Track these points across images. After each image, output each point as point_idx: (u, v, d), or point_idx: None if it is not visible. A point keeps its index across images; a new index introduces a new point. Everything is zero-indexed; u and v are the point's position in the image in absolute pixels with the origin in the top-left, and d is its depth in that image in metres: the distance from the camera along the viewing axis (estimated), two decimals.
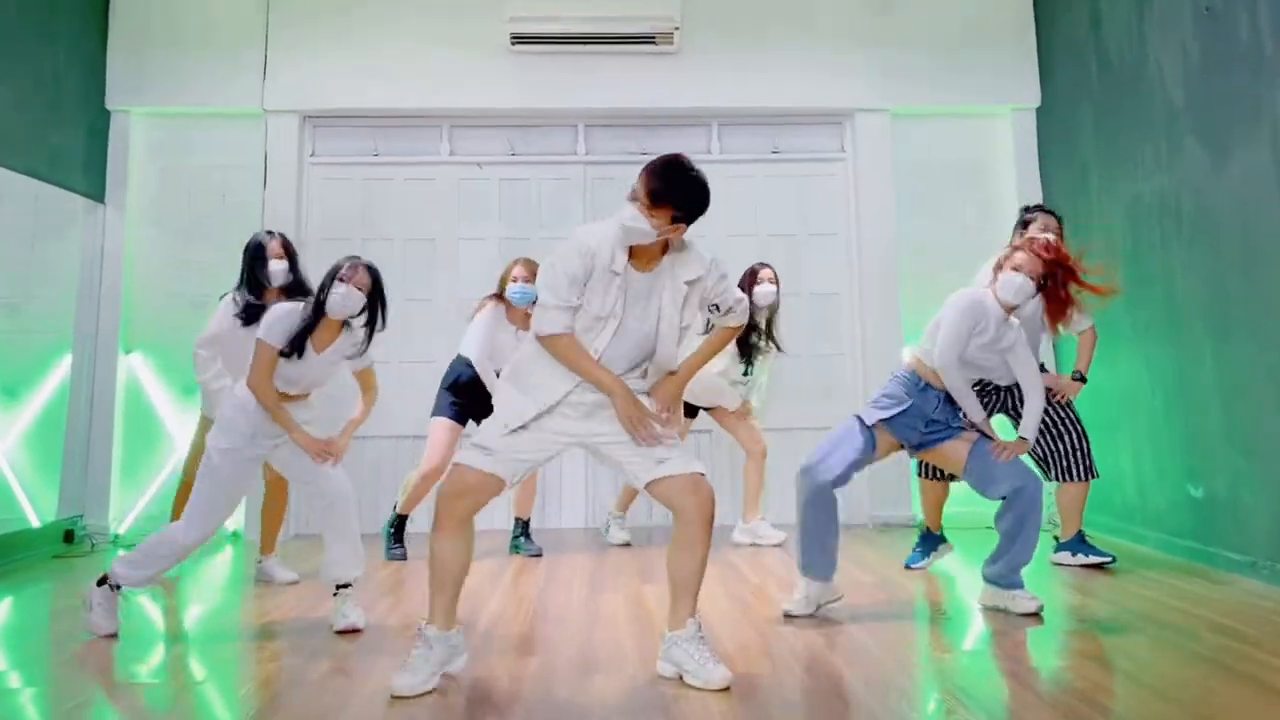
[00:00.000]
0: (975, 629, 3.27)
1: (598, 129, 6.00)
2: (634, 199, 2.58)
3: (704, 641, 2.63)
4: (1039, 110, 5.87)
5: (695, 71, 5.86)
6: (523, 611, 3.57)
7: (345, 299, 3.24)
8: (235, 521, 5.38)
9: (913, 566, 4.24)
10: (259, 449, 3.30)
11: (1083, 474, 4.19)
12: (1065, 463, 4.19)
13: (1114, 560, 4.19)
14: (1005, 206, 5.82)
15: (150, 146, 5.77)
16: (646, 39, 5.72)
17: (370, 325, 3.34)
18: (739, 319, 2.85)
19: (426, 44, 5.81)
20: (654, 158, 2.70)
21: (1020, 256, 3.43)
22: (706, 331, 3.55)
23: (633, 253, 2.64)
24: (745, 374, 4.99)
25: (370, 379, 3.49)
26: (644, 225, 2.56)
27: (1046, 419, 4.16)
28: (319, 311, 3.26)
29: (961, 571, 4.26)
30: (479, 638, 3.15)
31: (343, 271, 3.25)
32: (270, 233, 4.27)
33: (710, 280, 2.72)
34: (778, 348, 5.07)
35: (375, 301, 3.31)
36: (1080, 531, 4.28)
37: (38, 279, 5.55)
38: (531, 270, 4.55)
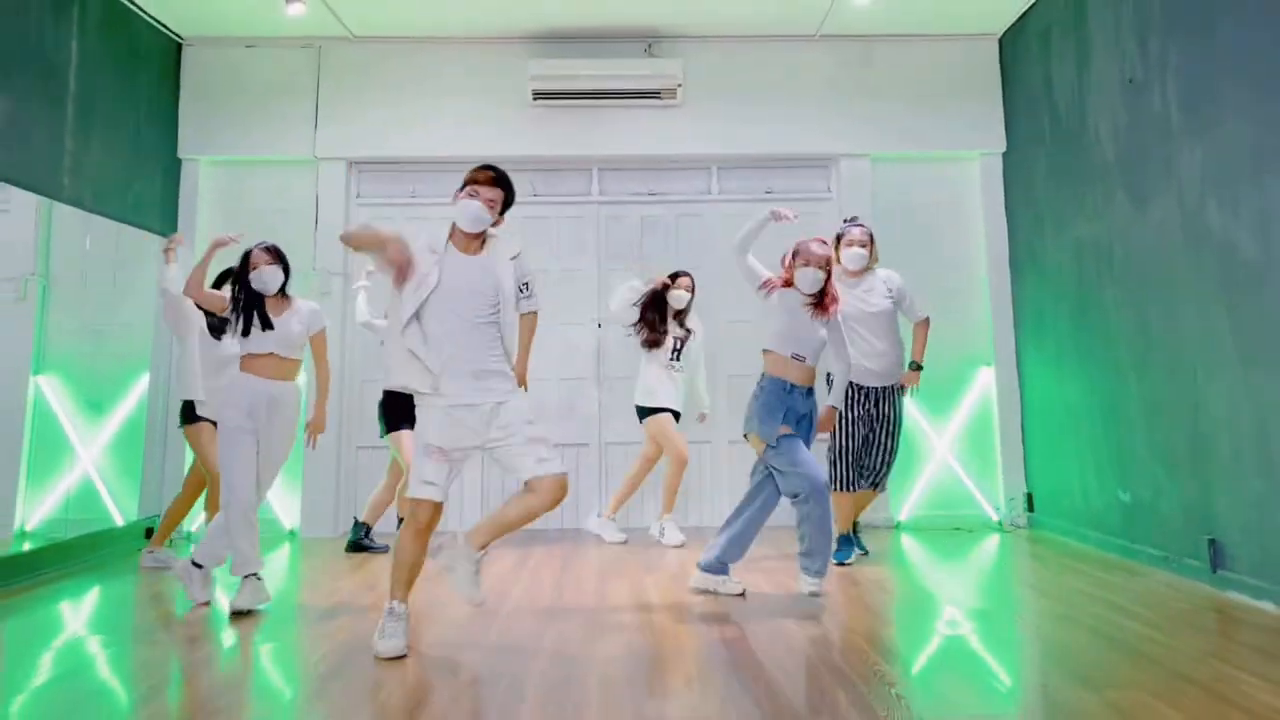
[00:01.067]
0: (906, 612, 3.92)
1: (610, 173, 6.69)
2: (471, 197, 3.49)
3: (479, 567, 3.36)
4: (1005, 155, 6.48)
5: (696, 122, 6.54)
6: (543, 600, 4.25)
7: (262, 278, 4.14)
8: (293, 520, 6.11)
9: (842, 562, 4.86)
10: (253, 428, 4.05)
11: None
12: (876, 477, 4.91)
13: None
14: (976, 243, 6.46)
15: (216, 191, 6.52)
16: (653, 94, 6.41)
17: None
18: (536, 304, 3.70)
19: (458, 99, 6.52)
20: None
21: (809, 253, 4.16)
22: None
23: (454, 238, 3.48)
24: (673, 360, 5.64)
25: (321, 347, 4.33)
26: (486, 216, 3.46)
27: (875, 436, 4.85)
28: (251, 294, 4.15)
29: (932, 569, 4.89)
30: (507, 612, 3.84)
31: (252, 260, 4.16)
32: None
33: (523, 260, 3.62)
34: (688, 331, 5.73)
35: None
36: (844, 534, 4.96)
37: (119, 308, 6.26)
38: None
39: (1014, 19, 6.27)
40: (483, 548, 3.35)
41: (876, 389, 4.83)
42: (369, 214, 6.57)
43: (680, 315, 5.69)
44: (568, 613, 3.90)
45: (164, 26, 6.26)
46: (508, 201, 3.53)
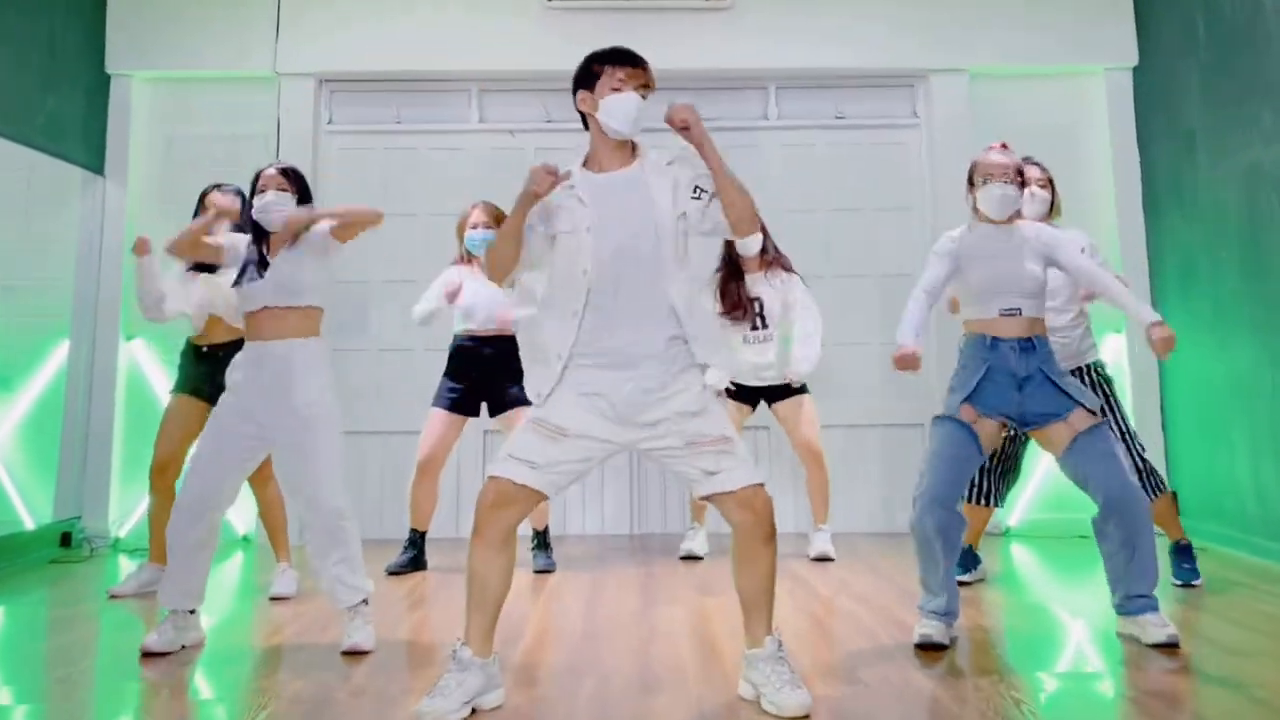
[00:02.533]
0: (1085, 650, 3.16)
1: None
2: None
3: (784, 661, 2.52)
4: (1136, 70, 5.78)
5: (751, 29, 5.82)
6: (569, 628, 3.50)
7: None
8: (247, 524, 5.37)
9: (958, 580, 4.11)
10: (254, 420, 3.22)
11: (1150, 491, 3.93)
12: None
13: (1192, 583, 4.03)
14: (1100, 177, 5.76)
15: (153, 114, 5.81)
16: None
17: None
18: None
19: (454, 1, 5.79)
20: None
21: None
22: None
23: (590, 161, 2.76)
24: (756, 327, 4.82)
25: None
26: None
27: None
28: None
29: (1054, 585, 4.15)
30: (522, 655, 3.08)
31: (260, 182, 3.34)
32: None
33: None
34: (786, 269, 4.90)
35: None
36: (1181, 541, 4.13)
37: (33, 258, 5.57)
38: (492, 214, 4.58)
39: None
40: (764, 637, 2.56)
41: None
42: (344, 142, 5.86)
43: (760, 267, 4.85)
44: (611, 650, 3.13)
45: None
46: None
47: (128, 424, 5.50)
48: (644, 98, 2.73)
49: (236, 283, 3.27)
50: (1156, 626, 3.06)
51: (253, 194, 3.35)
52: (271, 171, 3.36)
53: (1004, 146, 3.41)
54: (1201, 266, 5.14)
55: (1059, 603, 3.89)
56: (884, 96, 6.01)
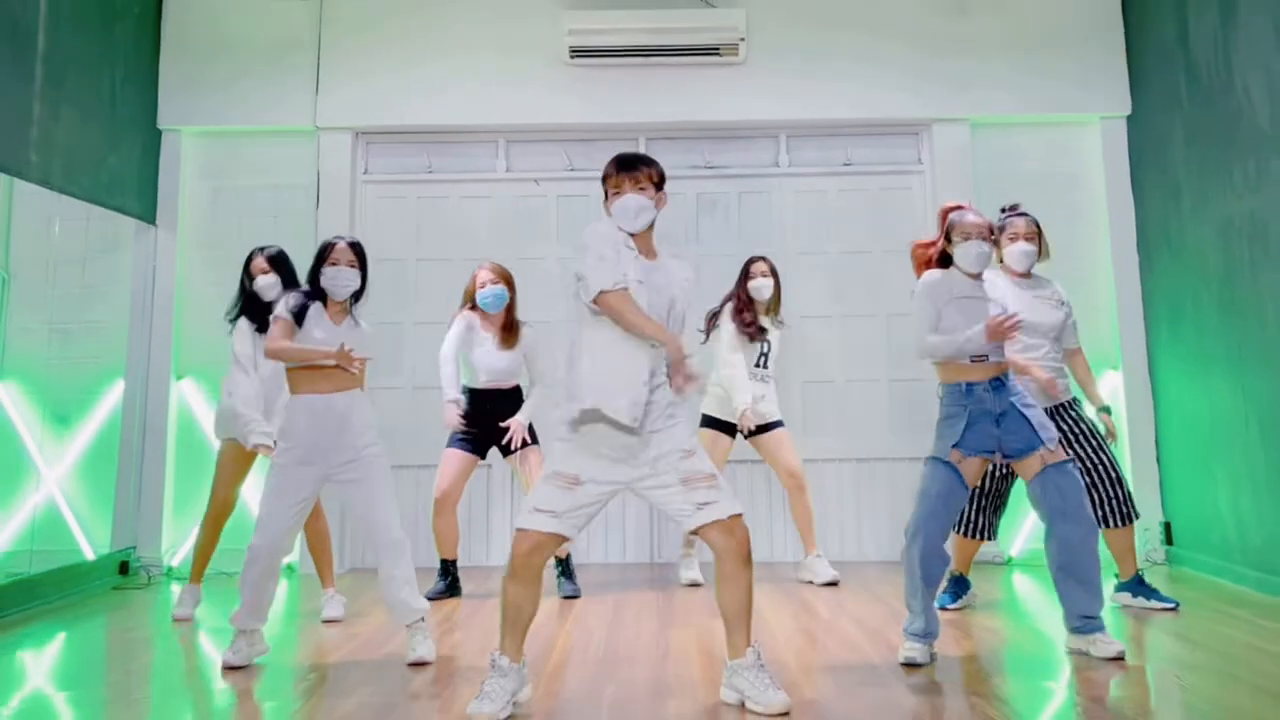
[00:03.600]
0: (1053, 668, 3.76)
1: (660, 142, 6.55)
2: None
3: (764, 669, 3.18)
4: (1130, 119, 6.32)
5: (762, 82, 6.42)
6: (594, 646, 4.15)
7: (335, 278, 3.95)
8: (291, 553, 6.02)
9: (945, 608, 4.69)
10: (319, 461, 3.87)
11: (1120, 519, 4.54)
12: (1102, 511, 4.53)
13: (1176, 607, 4.59)
14: (1095, 221, 6.30)
15: (201, 166, 6.49)
16: (711, 50, 6.30)
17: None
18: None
19: (482, 57, 6.44)
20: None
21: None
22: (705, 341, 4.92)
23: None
24: (760, 364, 5.47)
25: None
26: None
27: (1082, 460, 4.53)
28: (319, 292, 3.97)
29: (1039, 611, 4.74)
30: (551, 669, 3.73)
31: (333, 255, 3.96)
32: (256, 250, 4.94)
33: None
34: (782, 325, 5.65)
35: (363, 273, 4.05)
36: (1138, 573, 4.69)
37: (90, 304, 6.24)
38: (499, 273, 5.24)
39: None
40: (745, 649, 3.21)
41: None
42: (380, 191, 6.52)
43: (770, 310, 5.58)
44: (630, 666, 3.78)
45: None
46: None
47: (179, 459, 6.19)
48: (643, 188, 3.27)
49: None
50: (1105, 643, 3.71)
51: (322, 259, 3.97)
52: (344, 246, 3.99)
53: (969, 206, 3.97)
54: (1187, 307, 5.70)
55: (1042, 627, 4.44)
56: (889, 144, 6.57)
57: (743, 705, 3.17)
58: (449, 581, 5.30)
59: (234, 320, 4.87)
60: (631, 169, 3.28)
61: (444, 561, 5.32)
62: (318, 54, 6.43)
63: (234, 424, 4.76)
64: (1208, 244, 5.45)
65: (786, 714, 3.09)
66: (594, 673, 3.70)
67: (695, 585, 5.47)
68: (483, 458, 5.29)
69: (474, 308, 5.26)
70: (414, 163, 6.57)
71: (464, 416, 5.17)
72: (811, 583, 5.44)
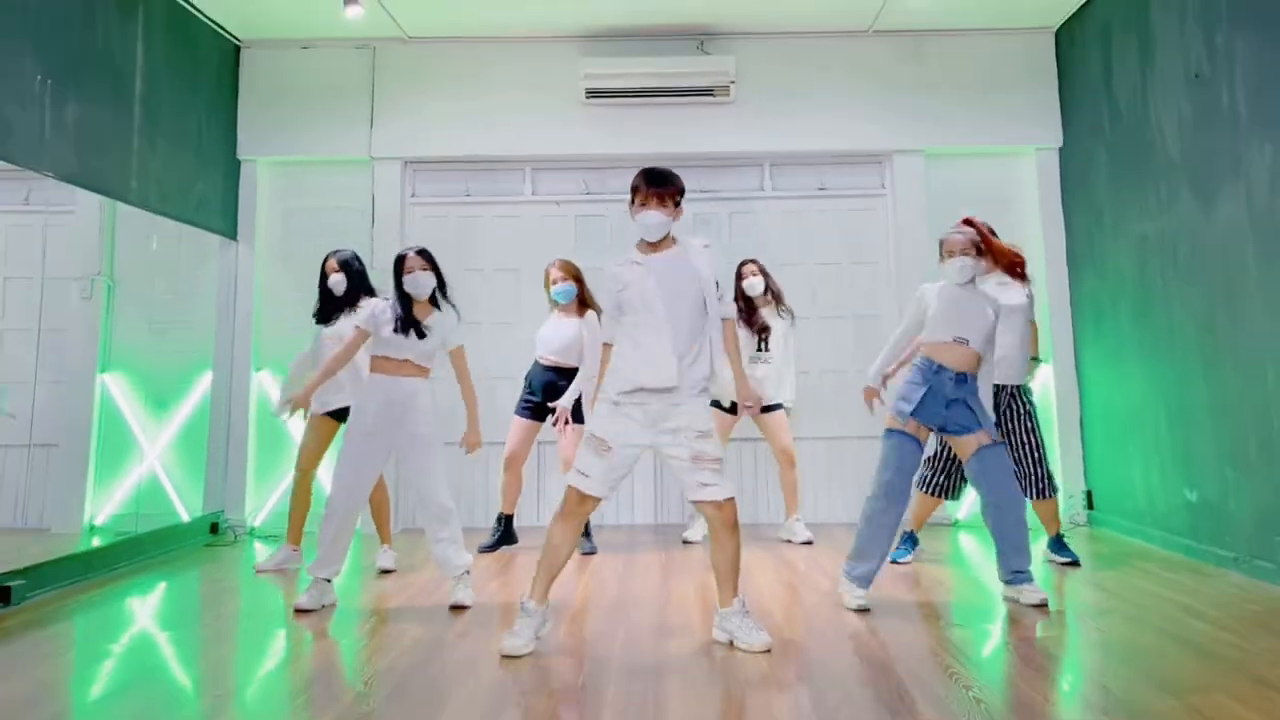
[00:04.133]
0: (990, 614, 3.90)
1: None
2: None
3: (749, 615, 3.33)
4: (1061, 150, 6.42)
5: (749, 119, 6.53)
6: (608, 594, 4.29)
7: (416, 282, 4.08)
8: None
9: (899, 561, 4.85)
10: (383, 435, 4.02)
11: (1040, 493, 4.64)
12: (1026, 484, 4.63)
13: (1076, 562, 4.73)
14: (1032, 238, 6.38)
15: (274, 191, 6.61)
16: (705, 91, 6.41)
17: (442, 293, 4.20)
18: (731, 309, 3.48)
19: (512, 98, 6.55)
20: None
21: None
22: None
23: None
24: (759, 349, 5.60)
25: (461, 363, 4.23)
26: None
27: (1012, 442, 4.61)
28: (404, 296, 4.10)
29: (979, 565, 4.88)
30: (572, 614, 3.88)
31: (407, 264, 4.10)
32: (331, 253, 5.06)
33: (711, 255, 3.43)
34: (790, 315, 5.75)
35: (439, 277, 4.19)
36: (1059, 534, 4.81)
37: (182, 307, 6.36)
38: (566, 270, 5.35)
39: (1071, 12, 6.19)
40: (732, 598, 3.36)
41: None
42: (425, 212, 6.65)
43: (766, 303, 5.69)
44: (638, 611, 3.92)
45: (223, 29, 6.35)
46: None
47: (259, 437, 6.35)
48: (665, 205, 3.36)
49: (400, 330, 4.08)
50: (1031, 592, 3.86)
51: (401, 271, 4.10)
52: (414, 255, 4.11)
53: (966, 223, 4.07)
54: (1107, 314, 5.82)
55: (981, 579, 4.57)
56: (857, 172, 6.66)
57: (731, 644, 3.32)
58: (502, 533, 5.41)
59: (317, 317, 5.01)
60: (661, 186, 3.37)
61: (501, 515, 5.43)
62: (371, 95, 6.55)
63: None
64: (1125, 258, 5.56)
65: (768, 650, 3.24)
66: (609, 616, 3.85)
67: (689, 543, 5.61)
68: (543, 420, 5.38)
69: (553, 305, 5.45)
70: (454, 188, 6.69)
71: (528, 387, 5.35)
72: (790, 541, 5.58)
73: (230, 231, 6.41)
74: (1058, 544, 4.81)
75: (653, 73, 6.34)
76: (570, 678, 3.04)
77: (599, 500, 3.34)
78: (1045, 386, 6.25)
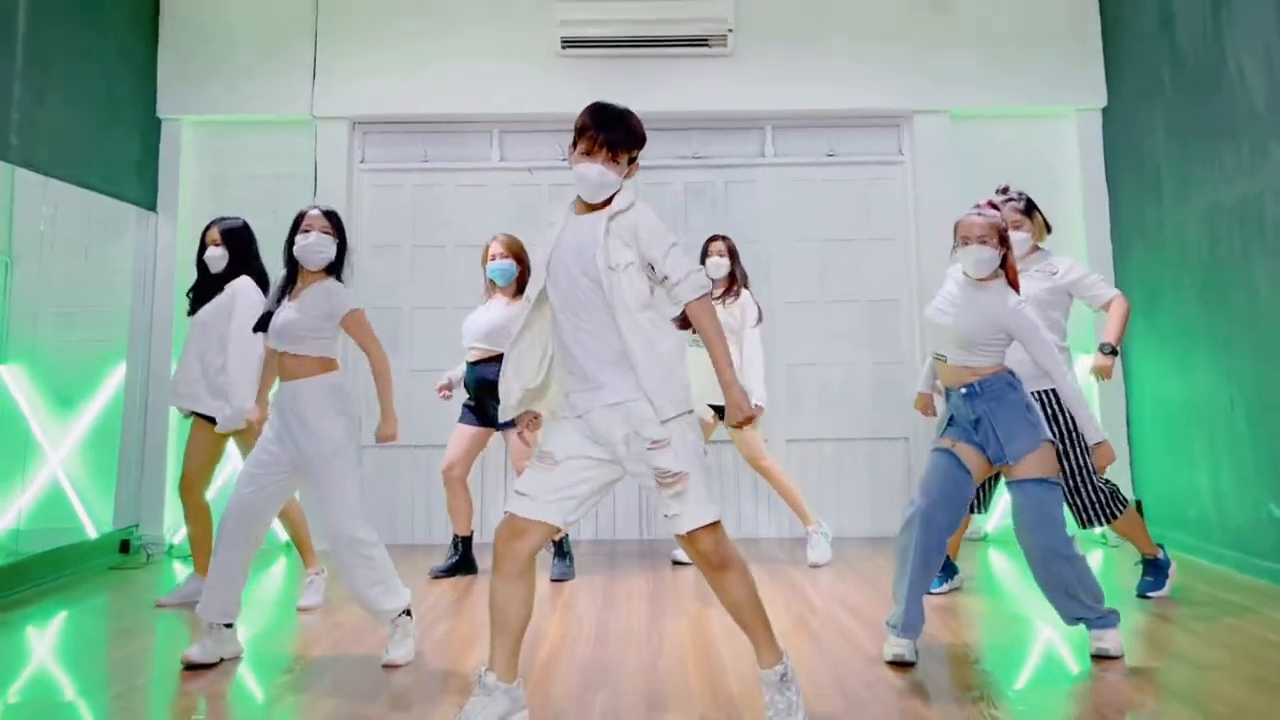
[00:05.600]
0: (1054, 665, 3.13)
1: (650, 132, 5.69)
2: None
3: (785, 689, 2.47)
4: (1105, 111, 5.69)
5: (749, 74, 5.75)
6: (584, 634, 3.49)
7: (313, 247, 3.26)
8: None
9: (934, 591, 4.05)
10: (288, 446, 3.21)
11: (1105, 518, 3.82)
12: (1089, 514, 3.82)
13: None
14: (1070, 211, 5.65)
15: (200, 154, 5.78)
16: (699, 41, 5.62)
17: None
18: (693, 290, 2.51)
19: (475, 49, 5.75)
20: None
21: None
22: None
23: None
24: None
25: (358, 331, 3.31)
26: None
27: (1066, 464, 3.79)
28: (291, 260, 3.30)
29: (1018, 592, 4.11)
30: (542, 663, 3.07)
31: (305, 222, 3.29)
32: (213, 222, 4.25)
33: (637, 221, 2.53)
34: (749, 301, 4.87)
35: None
36: (1153, 557, 3.99)
37: (92, 289, 5.54)
38: (507, 245, 4.61)
39: None
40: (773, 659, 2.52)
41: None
42: (376, 179, 5.82)
43: (724, 286, 4.85)
44: (621, 666, 3.11)
45: None
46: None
47: (179, 440, 5.48)
48: (616, 159, 2.55)
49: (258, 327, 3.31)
50: (1094, 639, 3.10)
51: (295, 229, 3.30)
52: (316, 213, 3.31)
53: (991, 205, 3.26)
54: (1165, 294, 5.06)
55: (1030, 611, 3.81)
56: (872, 136, 5.91)
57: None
58: (459, 559, 4.62)
59: (191, 304, 4.21)
60: (612, 132, 2.56)
61: (456, 537, 4.65)
62: (314, 44, 5.71)
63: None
64: (1191, 230, 4.80)
65: None
66: (582, 676, 3.04)
67: (679, 564, 4.81)
68: (489, 429, 4.59)
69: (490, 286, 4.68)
70: (410, 152, 5.87)
71: (470, 388, 4.57)
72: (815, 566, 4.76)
73: (149, 202, 5.56)
74: (1153, 567, 3.97)
75: (638, 19, 5.54)
76: None
77: (546, 531, 2.48)
78: (1084, 381, 5.47)
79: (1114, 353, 4.03)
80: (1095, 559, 4.81)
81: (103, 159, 5.17)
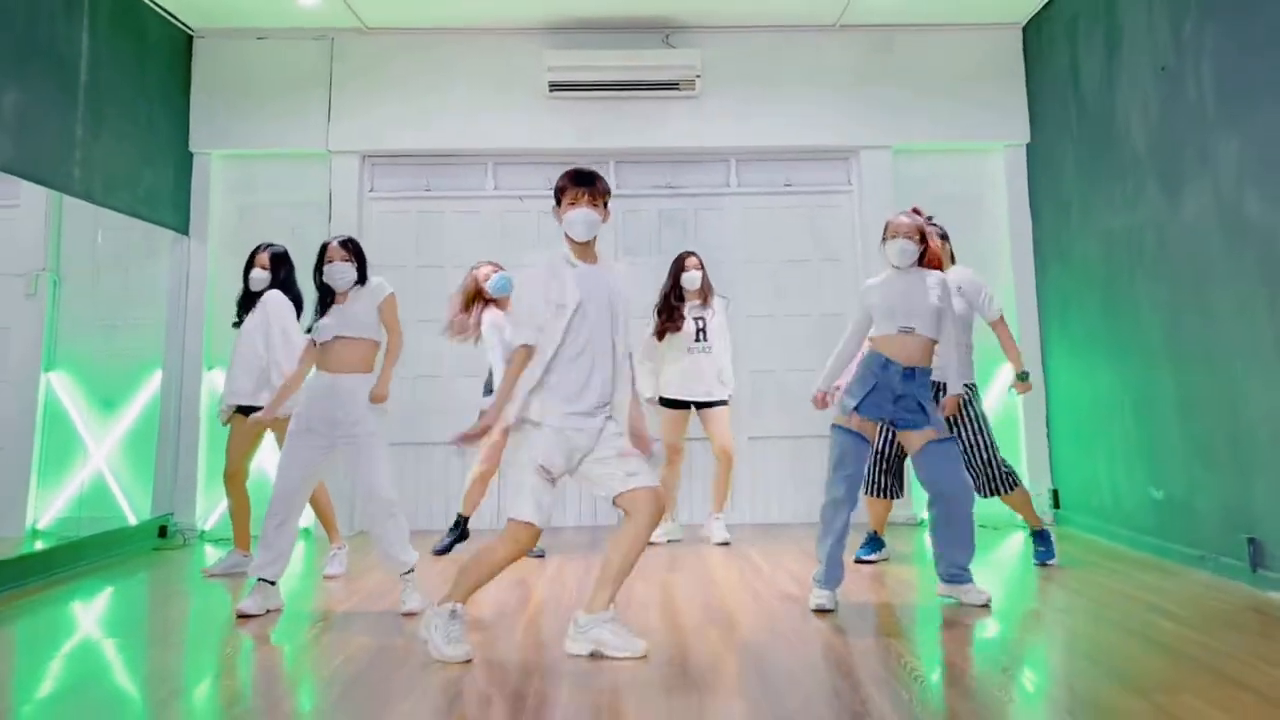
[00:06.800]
0: (957, 616, 3.82)
1: (628, 165, 6.57)
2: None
3: (619, 622, 3.21)
4: (1029, 146, 6.37)
5: (715, 114, 6.44)
6: (566, 596, 4.17)
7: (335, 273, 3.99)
8: (306, 517, 6.02)
9: (862, 559, 4.77)
10: (323, 432, 3.89)
11: (992, 489, 4.49)
12: (979, 481, 4.48)
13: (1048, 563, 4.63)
14: (999, 233, 6.36)
15: (228, 185, 6.44)
16: (671, 85, 6.31)
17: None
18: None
19: (473, 91, 6.42)
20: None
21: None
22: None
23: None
24: (699, 341, 5.52)
25: (390, 314, 4.08)
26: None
27: (963, 440, 4.46)
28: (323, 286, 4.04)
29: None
30: (529, 618, 3.75)
31: (328, 254, 4.01)
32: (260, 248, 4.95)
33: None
34: (717, 297, 5.65)
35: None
36: (1041, 530, 4.67)
37: (131, 304, 6.17)
38: (495, 268, 5.23)
39: (1038, 7, 6.15)
40: (609, 604, 3.21)
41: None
42: (383, 207, 6.50)
43: (700, 296, 5.58)
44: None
45: (174, 18, 6.17)
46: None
47: (210, 437, 6.16)
48: (596, 204, 3.25)
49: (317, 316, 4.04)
50: (974, 593, 3.79)
51: (321, 260, 4.01)
52: (335, 245, 4.02)
53: (915, 211, 4.02)
54: (1074, 309, 5.77)
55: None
56: (823, 168, 6.59)
57: (593, 655, 3.16)
58: (458, 535, 5.26)
59: (238, 317, 4.92)
60: (590, 185, 3.27)
61: (460, 516, 5.27)
62: (329, 88, 6.40)
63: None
64: (1092, 252, 5.51)
65: (645, 657, 3.13)
66: (565, 621, 3.71)
67: (725, 544, 5.45)
68: None
69: (488, 302, 5.19)
70: (414, 182, 6.54)
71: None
72: (709, 541, 5.49)
73: (182, 226, 6.23)
74: (1041, 539, 4.67)
75: (617, 66, 6.24)
76: (522, 685, 2.92)
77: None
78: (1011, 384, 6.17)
79: (1027, 375, 4.67)
80: (1016, 541, 5.51)
81: (143, 189, 5.85)
